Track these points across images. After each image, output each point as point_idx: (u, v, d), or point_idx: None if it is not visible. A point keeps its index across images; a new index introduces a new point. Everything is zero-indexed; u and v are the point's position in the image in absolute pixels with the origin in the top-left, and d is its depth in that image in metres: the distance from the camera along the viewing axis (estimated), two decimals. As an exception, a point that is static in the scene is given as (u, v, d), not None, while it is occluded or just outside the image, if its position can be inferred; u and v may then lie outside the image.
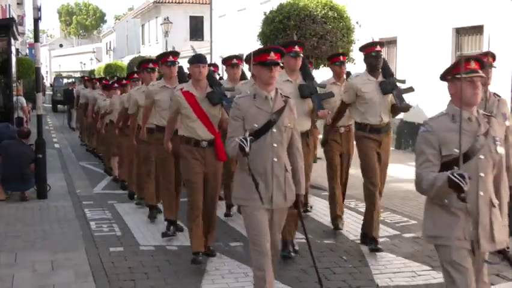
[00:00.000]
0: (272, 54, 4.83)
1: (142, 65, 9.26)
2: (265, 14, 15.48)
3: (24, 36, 42.28)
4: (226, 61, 9.04)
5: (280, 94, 5.00)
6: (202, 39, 36.13)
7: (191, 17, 40.00)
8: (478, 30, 13.46)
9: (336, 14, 14.47)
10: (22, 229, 8.00)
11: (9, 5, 39.97)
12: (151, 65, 8.92)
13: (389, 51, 16.27)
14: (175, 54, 7.94)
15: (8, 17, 22.26)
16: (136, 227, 8.48)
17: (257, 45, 15.47)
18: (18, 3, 55.42)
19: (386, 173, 7.70)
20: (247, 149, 4.29)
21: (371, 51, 7.21)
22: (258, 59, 4.85)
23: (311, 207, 9.24)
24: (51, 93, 34.95)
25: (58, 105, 31.20)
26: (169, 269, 6.63)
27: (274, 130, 4.76)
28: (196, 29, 39.82)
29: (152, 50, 41.06)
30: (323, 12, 14.29)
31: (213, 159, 6.57)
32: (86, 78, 20.91)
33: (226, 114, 6.21)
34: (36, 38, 11.24)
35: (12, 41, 13.88)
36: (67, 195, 10.39)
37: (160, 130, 7.68)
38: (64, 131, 22.13)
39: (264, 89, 4.84)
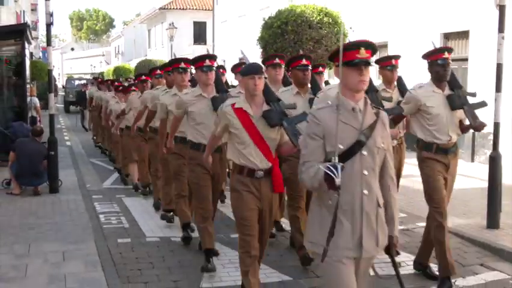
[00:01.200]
0: (363, 50, 3.53)
1: (172, 65, 7.55)
2: (264, 19, 15.44)
3: (37, 40, 42.37)
4: (267, 60, 7.36)
5: (371, 105, 3.72)
6: (205, 44, 36.00)
7: (195, 23, 40.00)
8: (464, 35, 13.49)
9: (330, 20, 14.45)
10: (35, 221, 7.98)
11: (23, 11, 40.05)
12: (182, 65, 7.21)
13: (381, 55, 16.22)
14: (213, 57, 6.42)
15: (22, 22, 22.25)
16: (143, 219, 8.48)
17: (257, 49, 15.50)
18: (32, 10, 55.58)
19: (449, 200, 6.20)
20: (337, 181, 3.02)
21: (437, 58, 5.91)
22: (344, 57, 3.36)
23: None
24: (63, 94, 34.84)
25: (71, 106, 30.81)
26: (173, 259, 6.64)
27: (365, 153, 3.50)
28: (200, 34, 39.81)
29: (158, 53, 41.12)
30: (319, 18, 14.27)
31: (269, 192, 5.17)
32: (99, 80, 19.43)
33: (286, 137, 5.08)
34: (49, 42, 11.22)
35: (26, 44, 13.84)
36: (78, 190, 10.37)
37: (194, 147, 6.28)
38: (76, 131, 22.06)
39: (351, 97, 3.51)
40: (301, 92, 6.33)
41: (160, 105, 7.33)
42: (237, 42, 26.05)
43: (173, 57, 7.82)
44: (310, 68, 6.34)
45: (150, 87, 9.48)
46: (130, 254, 6.79)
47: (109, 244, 7.06)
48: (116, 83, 13.88)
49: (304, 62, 6.22)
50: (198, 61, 6.33)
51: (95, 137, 18.24)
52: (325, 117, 3.46)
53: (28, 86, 14.10)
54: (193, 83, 7.23)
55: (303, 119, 4.92)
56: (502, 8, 7.63)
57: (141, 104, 9.03)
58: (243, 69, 5.12)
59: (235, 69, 8.55)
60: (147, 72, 10.11)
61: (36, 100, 17.28)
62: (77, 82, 32.08)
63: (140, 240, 7.42)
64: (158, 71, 8.69)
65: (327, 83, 8.63)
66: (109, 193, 10.45)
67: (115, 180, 11.77)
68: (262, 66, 5.59)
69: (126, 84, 13.28)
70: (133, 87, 11.10)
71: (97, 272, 5.92)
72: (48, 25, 10.63)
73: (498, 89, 7.81)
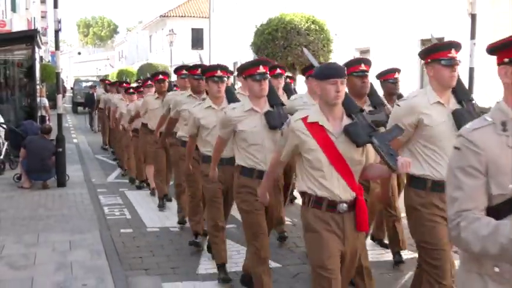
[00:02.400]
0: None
1: (206, 73, 5.70)
2: (256, 26, 15.51)
3: (47, 45, 42.15)
4: (306, 70, 6.02)
5: None
6: (202, 48, 35.97)
7: (193, 29, 39.96)
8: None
9: (317, 27, 14.54)
10: (44, 213, 7.98)
11: (34, 18, 39.97)
12: (219, 73, 5.30)
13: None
14: (225, 68, 5.35)
15: (33, 28, 22.20)
16: (144, 211, 8.48)
17: (250, 53, 15.50)
18: (42, 17, 55.54)
19: None
20: None
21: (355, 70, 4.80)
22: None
23: None
24: (71, 95, 34.65)
25: (78, 107, 30.30)
26: (171, 248, 6.65)
27: None
28: (197, 40, 39.73)
29: (158, 57, 41.02)
30: (306, 25, 14.36)
31: (353, 230, 3.68)
32: (107, 81, 17.45)
33: (371, 157, 3.65)
34: (57, 46, 11.27)
35: (36, 49, 13.88)
36: (84, 184, 10.37)
37: (246, 174, 4.68)
38: (83, 130, 21.95)
39: None
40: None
41: (193, 119, 5.41)
42: (231, 47, 26.07)
43: (181, 63, 6.63)
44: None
45: (168, 89, 8.31)
46: (132, 243, 6.79)
47: (113, 234, 7.05)
48: (124, 84, 12.78)
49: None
50: (210, 71, 5.14)
51: (107, 146, 15.84)
52: (487, 142, 2.09)
53: (38, 87, 14.08)
54: (232, 97, 5.43)
55: (398, 134, 3.70)
56: (473, 17, 7.74)
57: (163, 106, 7.37)
58: (319, 71, 3.61)
59: (304, 71, 6.73)
60: (164, 72, 8.86)
61: (45, 100, 17.23)
62: (84, 84, 31.84)
63: (141, 230, 7.41)
64: (185, 71, 7.09)
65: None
66: (112, 187, 10.44)
67: (118, 175, 11.73)
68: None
69: (135, 85, 12.51)
70: (142, 89, 10.17)
71: (101, 260, 5.93)
72: (57, 31, 10.65)
73: (470, 90, 7.88)
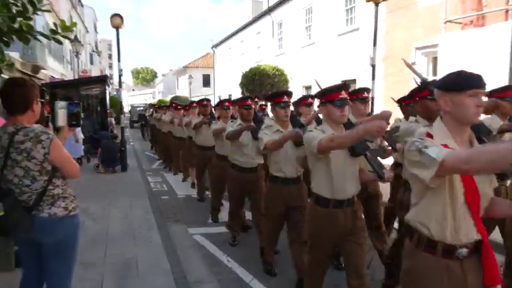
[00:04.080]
0: None
1: (240, 103, 4.42)
2: (242, 72, 15.54)
3: (113, 84, 41.58)
4: (240, 101, 4.47)
5: None
6: (209, 87, 35.79)
7: (203, 75, 39.59)
8: (353, 81, 13.47)
9: (279, 73, 14.63)
10: (114, 187, 7.92)
11: (105, 68, 39.41)
12: (285, 98, 3.55)
13: (308, 92, 16.31)
14: (290, 94, 3.61)
15: (104, 74, 21.97)
16: (175, 185, 8.41)
17: (239, 89, 15.49)
18: (109, 67, 54.78)
19: None
20: None
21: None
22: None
23: None
24: (129, 115, 34.01)
25: (134, 124, 29.06)
26: (192, 207, 6.62)
27: None
28: (207, 81, 39.34)
29: (181, 92, 40.63)
30: (273, 72, 14.44)
31: (479, 282, 1.71)
32: (156, 106, 14.68)
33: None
34: (120, 85, 11.16)
35: (107, 87, 13.74)
36: (137, 169, 10.26)
37: (272, 180, 3.58)
38: (136, 137, 21.36)
39: None
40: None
41: (261, 140, 3.52)
42: (227, 86, 26.06)
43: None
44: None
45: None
46: (168, 205, 6.76)
47: (156, 199, 7.02)
48: (173, 104, 10.19)
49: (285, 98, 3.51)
50: (329, 93, 2.67)
51: (152, 148, 14.35)
52: None
53: (108, 111, 13.95)
54: (296, 122, 3.48)
55: (382, 154, 2.84)
56: (373, 66, 7.80)
57: (219, 132, 5.00)
58: (452, 80, 1.77)
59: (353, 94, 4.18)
60: (207, 99, 6.85)
61: (112, 120, 17.02)
62: (137, 109, 31.06)
63: (174, 196, 7.38)
64: (227, 104, 5.52)
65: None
66: (155, 171, 10.32)
67: (159, 164, 11.48)
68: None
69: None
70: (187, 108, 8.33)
71: (150, 215, 5.90)
72: (120, 76, 10.55)
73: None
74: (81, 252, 4.20)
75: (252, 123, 4.11)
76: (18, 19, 2.09)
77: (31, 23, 2.28)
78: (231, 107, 5.57)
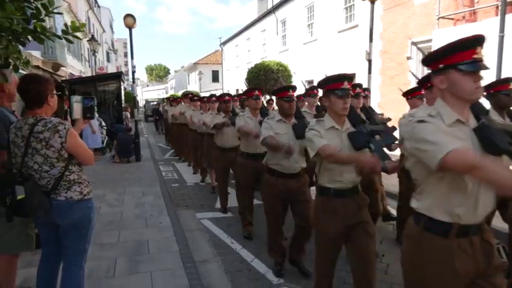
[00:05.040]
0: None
1: (280, 94, 3.40)
2: (248, 68, 15.50)
3: (128, 81, 41.74)
4: (248, 92, 4.34)
5: None
6: (218, 82, 35.75)
7: (212, 70, 39.53)
8: (353, 75, 13.40)
9: (283, 68, 14.56)
10: (129, 176, 8.01)
11: (120, 65, 39.54)
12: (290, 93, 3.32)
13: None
14: (294, 88, 3.36)
15: (119, 71, 22.08)
16: (185, 174, 8.49)
17: (244, 85, 15.48)
18: (125, 64, 54.93)
19: None
20: None
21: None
22: None
23: None
24: (143, 110, 33.91)
25: (148, 118, 28.30)
26: (200, 194, 6.69)
27: None
28: (215, 77, 39.33)
29: (192, 87, 40.71)
30: (277, 67, 14.37)
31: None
32: (171, 99, 13.12)
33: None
34: (133, 81, 11.21)
35: (121, 83, 13.84)
36: (150, 159, 10.35)
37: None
38: (150, 131, 21.30)
39: None
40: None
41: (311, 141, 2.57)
42: (234, 81, 26.03)
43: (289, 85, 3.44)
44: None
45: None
46: (178, 192, 6.84)
47: (167, 186, 7.09)
48: (189, 95, 9.32)
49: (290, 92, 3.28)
50: (331, 82, 2.45)
51: (167, 141, 13.47)
52: None
53: (123, 105, 14.06)
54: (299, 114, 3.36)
55: (391, 141, 2.68)
56: (369, 61, 7.77)
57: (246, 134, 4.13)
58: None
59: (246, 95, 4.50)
60: (229, 94, 5.80)
61: (127, 113, 17.16)
62: (151, 103, 30.82)
63: (183, 184, 7.45)
64: (256, 93, 4.32)
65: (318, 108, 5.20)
66: (167, 160, 10.41)
67: (171, 154, 11.61)
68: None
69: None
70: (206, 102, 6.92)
71: (161, 201, 5.98)
72: (133, 72, 10.65)
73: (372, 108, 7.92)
74: (97, 234, 4.35)
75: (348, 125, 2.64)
76: (33, 21, 2.15)
77: (44, 24, 2.34)
78: (261, 97, 4.37)
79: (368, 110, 3.94)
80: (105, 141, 10.90)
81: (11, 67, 2.57)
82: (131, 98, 15.50)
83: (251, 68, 15.00)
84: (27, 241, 2.69)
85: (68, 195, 2.44)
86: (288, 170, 3.26)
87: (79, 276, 2.56)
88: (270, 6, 20.81)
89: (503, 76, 5.67)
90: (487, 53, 6.49)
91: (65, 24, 2.30)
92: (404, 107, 4.43)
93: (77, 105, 2.64)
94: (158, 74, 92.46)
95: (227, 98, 5.50)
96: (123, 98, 14.39)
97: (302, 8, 16.40)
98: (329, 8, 14.24)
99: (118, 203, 5.90)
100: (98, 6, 37.77)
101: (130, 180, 7.58)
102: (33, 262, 2.83)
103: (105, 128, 11.24)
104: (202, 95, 12.34)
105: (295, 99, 3.34)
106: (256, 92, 4.28)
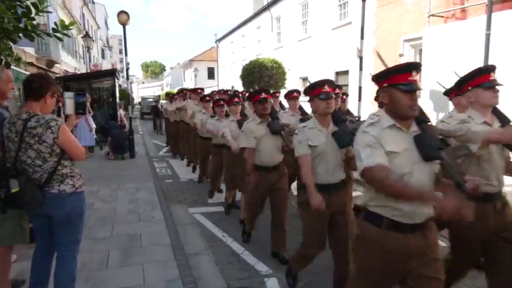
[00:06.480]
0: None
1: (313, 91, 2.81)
2: (243, 65, 15.54)
3: (124, 78, 41.72)
4: (255, 95, 3.61)
5: None
6: (213, 79, 35.77)
7: (208, 67, 39.54)
8: (346, 72, 13.43)
9: (277, 65, 14.61)
10: (122, 172, 8.06)
11: (115, 62, 39.44)
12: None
13: (304, 83, 16.34)
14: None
15: (114, 68, 22.05)
16: (179, 170, 8.54)
17: (239, 82, 15.51)
18: (120, 61, 54.72)
19: None
20: None
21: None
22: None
23: None
24: (139, 107, 33.39)
25: (145, 115, 27.34)
26: (193, 189, 6.74)
27: None
28: (211, 73, 39.31)
29: (187, 84, 40.68)
30: (271, 64, 14.41)
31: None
32: (171, 96, 10.79)
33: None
34: (127, 78, 11.24)
35: (116, 80, 13.86)
36: (145, 156, 10.41)
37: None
38: (146, 128, 20.91)
39: None
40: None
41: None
42: (229, 78, 26.07)
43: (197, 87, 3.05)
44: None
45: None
46: (172, 188, 6.89)
47: (161, 182, 7.15)
48: (199, 91, 7.79)
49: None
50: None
51: (168, 144, 11.77)
52: None
53: (118, 102, 14.08)
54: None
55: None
56: (361, 58, 7.85)
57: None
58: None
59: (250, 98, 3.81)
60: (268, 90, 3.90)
61: (121, 111, 17.05)
62: (148, 100, 29.26)
63: (177, 180, 7.50)
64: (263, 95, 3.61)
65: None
66: (162, 157, 10.46)
67: (166, 151, 11.66)
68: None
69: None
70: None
71: (154, 197, 6.05)
72: (127, 69, 10.68)
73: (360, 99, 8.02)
74: (91, 229, 4.44)
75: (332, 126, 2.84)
76: (23, 19, 2.24)
77: (38, 21, 2.43)
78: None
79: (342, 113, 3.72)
80: (94, 140, 10.93)
81: (2, 64, 2.65)
82: (126, 95, 15.52)
83: (245, 65, 15.04)
84: (21, 233, 2.78)
85: (61, 188, 2.53)
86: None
87: (72, 266, 2.66)
88: (265, 3, 20.86)
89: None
90: (476, 50, 6.63)
91: (55, 23, 2.38)
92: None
93: (69, 101, 2.73)
94: (154, 70, 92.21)
95: (236, 100, 4.67)
96: (118, 95, 14.37)
97: (297, 5, 16.47)
98: (323, 5, 14.31)
99: (111, 198, 5.97)
100: (93, 3, 37.58)
101: (124, 176, 7.63)
102: (28, 255, 2.92)
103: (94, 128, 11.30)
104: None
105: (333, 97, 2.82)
106: (263, 95, 3.54)
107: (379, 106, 2.34)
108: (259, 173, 3.66)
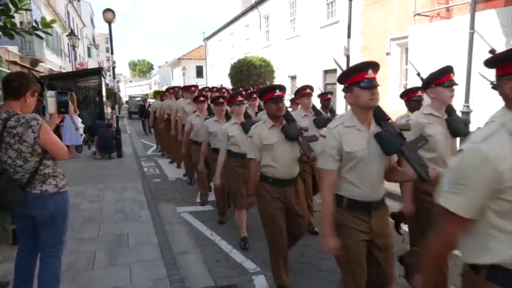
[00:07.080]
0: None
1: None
2: (231, 64, 15.54)
3: (111, 76, 41.25)
4: (267, 93, 2.95)
5: None
6: (202, 77, 35.60)
7: (196, 66, 39.30)
8: (334, 71, 13.54)
9: (266, 63, 14.65)
10: (109, 172, 7.99)
11: (102, 61, 38.99)
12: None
13: (293, 82, 16.39)
14: (283, 88, 2.98)
15: (100, 66, 21.79)
16: (167, 169, 8.51)
17: (228, 80, 15.48)
18: (107, 60, 54.10)
19: None
20: None
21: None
22: None
23: None
24: (127, 106, 32.90)
25: (133, 115, 25.88)
26: (181, 189, 6.72)
27: None
28: (199, 72, 39.09)
29: (176, 83, 40.36)
30: (259, 63, 14.45)
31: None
32: (161, 93, 10.59)
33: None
34: (114, 76, 11.21)
35: (102, 79, 13.71)
36: (133, 155, 10.33)
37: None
38: (134, 128, 20.48)
39: None
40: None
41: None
42: (218, 76, 25.98)
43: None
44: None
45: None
46: (159, 187, 6.85)
47: (149, 182, 7.10)
48: (193, 88, 6.96)
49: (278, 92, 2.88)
50: (353, 74, 2.08)
51: (158, 145, 11.16)
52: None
53: (104, 101, 13.93)
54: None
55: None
56: (347, 57, 7.91)
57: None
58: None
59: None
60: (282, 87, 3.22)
61: (109, 109, 16.81)
62: (135, 99, 28.04)
63: (165, 180, 7.46)
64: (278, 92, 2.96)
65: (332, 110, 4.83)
66: (150, 156, 10.39)
67: (153, 150, 11.55)
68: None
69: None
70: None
71: (142, 196, 6.01)
72: (113, 68, 10.66)
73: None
74: (77, 229, 4.39)
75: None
76: (2, 17, 2.20)
77: (21, 19, 2.39)
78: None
79: (319, 111, 4.27)
80: (80, 139, 10.82)
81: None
82: (112, 94, 15.36)
83: (234, 63, 15.03)
84: (4, 234, 2.73)
85: (43, 188, 2.50)
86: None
87: (56, 267, 2.62)
88: (253, 1, 20.84)
89: (473, 72, 5.90)
90: (460, 49, 6.74)
91: (35, 21, 2.34)
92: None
93: (51, 100, 2.69)
94: (142, 69, 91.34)
95: (240, 98, 3.98)
96: (104, 94, 14.21)
97: (285, 3, 16.50)
98: (311, 4, 14.38)
99: (98, 198, 5.91)
100: (78, 0, 37.00)
101: (111, 176, 7.56)
102: (12, 257, 2.87)
103: (81, 125, 11.18)
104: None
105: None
106: (278, 92, 2.93)
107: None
108: (272, 189, 2.90)
